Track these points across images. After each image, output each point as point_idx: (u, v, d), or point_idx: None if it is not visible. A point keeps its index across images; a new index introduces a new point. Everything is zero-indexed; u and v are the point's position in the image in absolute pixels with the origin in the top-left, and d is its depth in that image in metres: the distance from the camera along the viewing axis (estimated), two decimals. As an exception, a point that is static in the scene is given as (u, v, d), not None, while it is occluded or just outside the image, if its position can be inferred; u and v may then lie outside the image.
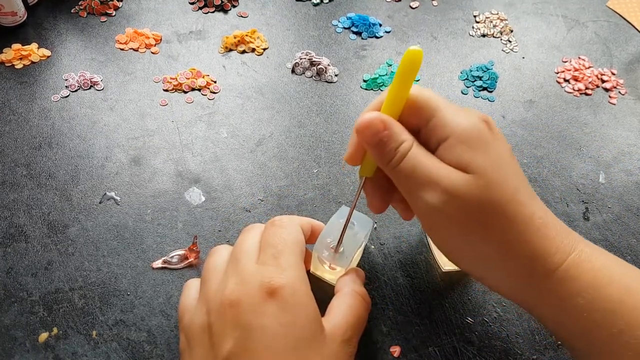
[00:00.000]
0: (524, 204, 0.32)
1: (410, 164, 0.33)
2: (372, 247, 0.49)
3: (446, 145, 0.33)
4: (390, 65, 0.64)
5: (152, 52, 0.65)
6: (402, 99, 0.34)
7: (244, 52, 0.65)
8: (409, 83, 0.33)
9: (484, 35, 0.69)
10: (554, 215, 0.34)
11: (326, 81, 0.63)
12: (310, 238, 0.41)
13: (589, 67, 0.65)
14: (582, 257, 0.33)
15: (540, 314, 0.34)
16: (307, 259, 0.43)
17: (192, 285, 0.39)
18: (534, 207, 0.33)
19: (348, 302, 0.37)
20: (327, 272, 0.44)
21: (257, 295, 0.33)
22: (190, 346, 0.35)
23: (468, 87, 0.63)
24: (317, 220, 0.42)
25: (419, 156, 0.33)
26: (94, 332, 0.43)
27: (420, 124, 0.34)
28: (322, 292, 0.39)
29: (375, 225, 0.50)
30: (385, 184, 0.38)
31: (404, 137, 0.34)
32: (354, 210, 0.45)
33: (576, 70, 0.65)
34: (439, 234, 0.35)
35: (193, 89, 0.61)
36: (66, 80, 0.61)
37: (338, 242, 0.40)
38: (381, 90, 0.62)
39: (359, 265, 0.47)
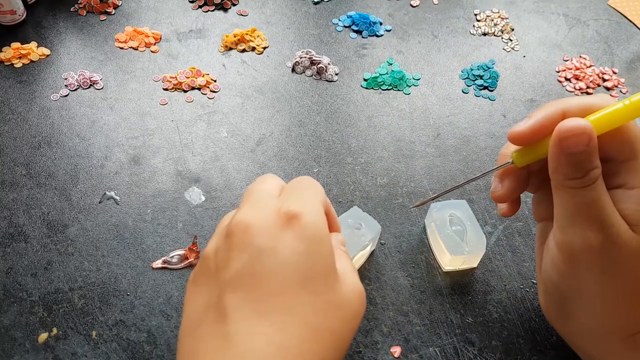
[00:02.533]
0: None
1: (591, 194, 0.31)
2: (371, 245, 0.49)
3: (630, 195, 0.32)
4: (391, 64, 0.64)
5: (152, 51, 0.65)
6: (618, 124, 0.31)
7: (244, 50, 0.65)
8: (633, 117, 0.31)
9: (484, 34, 0.69)
10: None
11: (326, 80, 0.63)
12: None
13: (590, 66, 0.65)
14: None
15: None
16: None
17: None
18: None
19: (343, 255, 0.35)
20: None
21: (273, 219, 0.30)
22: (193, 280, 0.33)
23: (469, 86, 0.63)
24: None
25: (601, 190, 0.31)
26: (94, 333, 0.43)
27: (611, 156, 0.33)
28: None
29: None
30: (523, 178, 0.37)
31: (598, 162, 0.31)
32: (364, 213, 0.44)
33: (577, 69, 0.65)
34: (573, 269, 0.34)
35: (193, 88, 0.61)
36: (65, 79, 0.61)
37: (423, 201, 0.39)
38: (382, 90, 0.62)
39: (361, 268, 0.47)
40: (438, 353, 0.43)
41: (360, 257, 0.46)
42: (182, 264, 0.47)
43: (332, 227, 0.35)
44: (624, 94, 0.63)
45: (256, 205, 0.32)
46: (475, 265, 0.47)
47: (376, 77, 0.62)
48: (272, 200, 0.32)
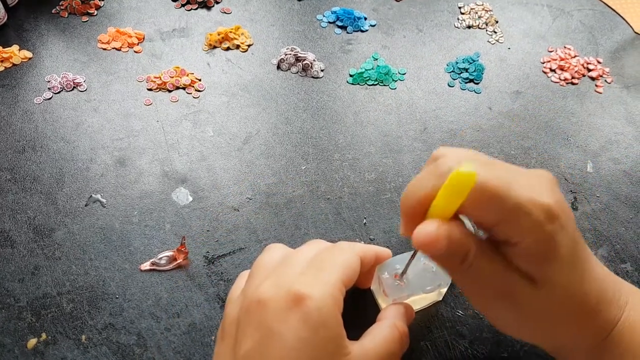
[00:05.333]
0: (587, 293, 0.32)
1: (478, 272, 0.31)
2: (361, 242, 0.49)
3: (516, 252, 0.30)
4: (376, 59, 0.64)
5: (135, 51, 0.64)
6: (453, 210, 0.29)
7: (228, 49, 0.65)
8: (457, 201, 0.28)
9: (469, 27, 0.69)
10: (603, 273, 0.34)
11: (312, 77, 0.62)
12: (374, 265, 0.40)
13: (575, 56, 0.65)
14: (626, 325, 0.34)
15: None
16: (367, 277, 0.42)
17: (243, 277, 0.39)
18: (592, 288, 0.32)
19: (384, 333, 0.36)
20: (381, 296, 0.42)
21: (284, 300, 0.32)
22: (221, 336, 0.36)
23: (454, 79, 0.63)
24: (334, 234, 0.42)
25: (486, 263, 0.31)
26: (83, 337, 0.43)
27: (479, 222, 0.31)
28: (367, 316, 0.39)
29: (365, 221, 0.50)
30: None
31: (468, 245, 0.30)
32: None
33: (562, 59, 0.65)
34: (495, 317, 0.35)
35: (177, 88, 0.60)
36: (48, 82, 0.60)
37: (402, 272, 0.38)
38: (367, 85, 0.62)
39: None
40: (429, 347, 0.43)
41: (422, 299, 0.43)
42: (171, 265, 0.47)
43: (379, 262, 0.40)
44: (609, 83, 0.63)
45: (279, 279, 0.34)
46: (464, 258, 0.47)
47: (362, 73, 0.62)
48: (294, 273, 0.34)
